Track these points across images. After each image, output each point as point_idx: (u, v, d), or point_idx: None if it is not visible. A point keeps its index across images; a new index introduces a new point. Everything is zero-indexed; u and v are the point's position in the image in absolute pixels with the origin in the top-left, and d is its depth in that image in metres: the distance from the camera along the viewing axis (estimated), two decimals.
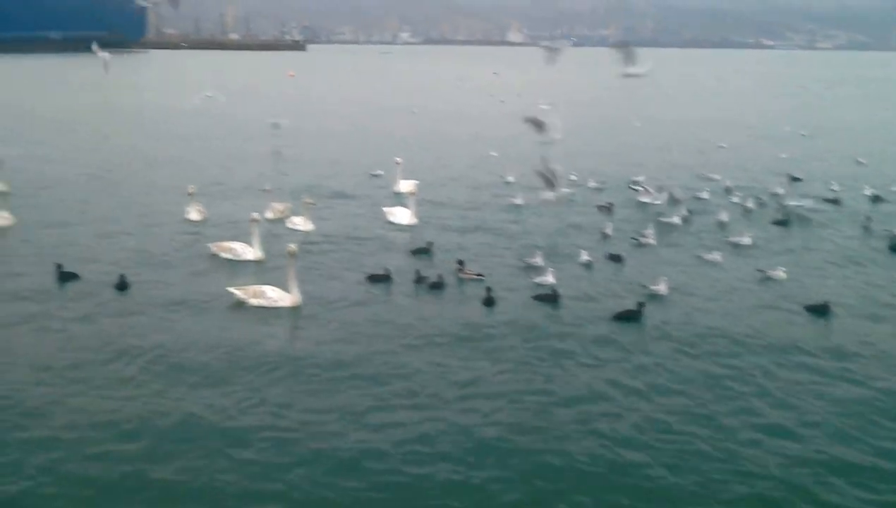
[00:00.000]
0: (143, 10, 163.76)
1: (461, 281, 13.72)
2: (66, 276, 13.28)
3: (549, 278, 13.39)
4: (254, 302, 12.26)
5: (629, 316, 12.00)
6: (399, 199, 19.63)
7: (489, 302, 12.48)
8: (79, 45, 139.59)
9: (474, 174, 24.74)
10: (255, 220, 15.10)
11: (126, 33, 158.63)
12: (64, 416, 8.75)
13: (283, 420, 8.77)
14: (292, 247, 12.70)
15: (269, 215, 17.74)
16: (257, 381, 9.69)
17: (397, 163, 21.81)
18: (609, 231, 17.09)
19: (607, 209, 19.53)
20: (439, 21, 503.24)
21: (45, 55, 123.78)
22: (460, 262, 14.20)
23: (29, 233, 16.41)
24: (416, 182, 20.37)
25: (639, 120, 41.70)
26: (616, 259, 15.19)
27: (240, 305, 12.27)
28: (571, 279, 13.90)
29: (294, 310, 12.16)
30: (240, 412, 8.92)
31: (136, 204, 19.67)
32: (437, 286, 13.29)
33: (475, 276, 13.79)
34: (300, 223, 17.22)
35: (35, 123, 36.94)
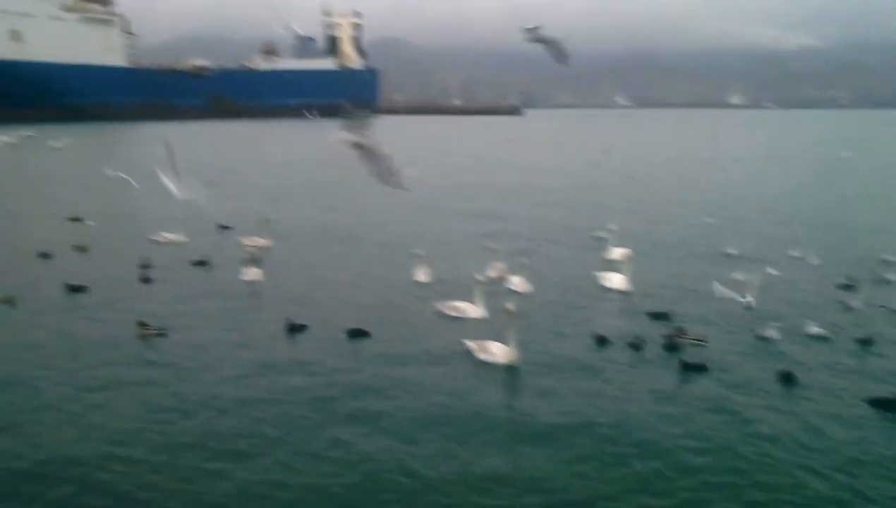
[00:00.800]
0: (377, 79, 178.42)
1: (677, 346, 13.74)
2: (295, 328, 14.69)
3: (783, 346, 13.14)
4: (481, 356, 13.22)
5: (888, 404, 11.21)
6: (612, 265, 19.82)
7: (697, 367, 12.54)
8: (325, 112, 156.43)
9: (691, 242, 24.39)
10: (478, 281, 16.22)
11: (361, 101, 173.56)
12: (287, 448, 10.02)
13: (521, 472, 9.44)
14: (510, 306, 13.49)
15: (492, 274, 18.64)
16: (489, 435, 10.45)
17: (610, 231, 22.26)
18: (855, 303, 16.31)
19: (850, 286, 18.08)
20: (655, 83, 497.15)
21: (295, 120, 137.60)
22: (679, 329, 14.23)
23: (274, 287, 18.12)
24: (629, 250, 20.57)
25: (876, 190, 38.81)
26: (865, 342, 14.12)
27: (466, 357, 13.23)
28: (810, 353, 13.49)
29: (513, 367, 12.86)
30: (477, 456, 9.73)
31: (374, 262, 21.34)
32: (670, 348, 13.58)
33: (696, 342, 13.77)
34: (518, 283, 18.01)
35: (293, 182, 41.27)
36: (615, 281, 18.35)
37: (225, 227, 25.36)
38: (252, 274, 18.57)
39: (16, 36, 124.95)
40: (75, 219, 26.80)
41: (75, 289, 17.25)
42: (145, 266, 19.29)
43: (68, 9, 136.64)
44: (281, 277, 18.95)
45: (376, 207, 30.81)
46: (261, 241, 22.44)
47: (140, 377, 12.27)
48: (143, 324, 14.30)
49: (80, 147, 65.61)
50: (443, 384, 12.18)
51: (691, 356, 13.10)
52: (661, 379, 12.34)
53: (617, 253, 20.94)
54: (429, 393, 11.76)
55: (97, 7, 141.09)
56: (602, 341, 14.04)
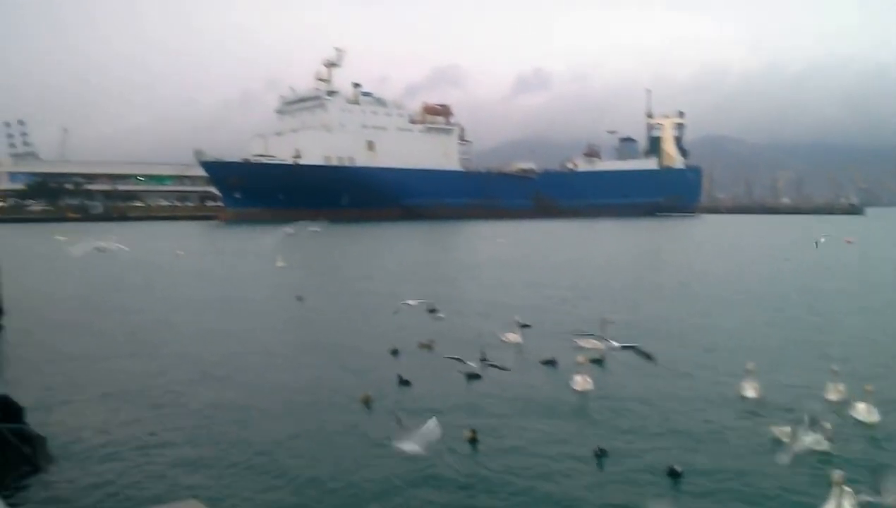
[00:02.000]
0: (698, 177, 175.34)
1: None
2: (602, 454, 12.50)
3: None
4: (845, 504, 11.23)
5: None
6: None
7: None
8: (642, 210, 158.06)
9: None
10: (831, 400, 14.22)
11: (683, 199, 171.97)
12: None
13: None
14: (839, 475, 10.26)
15: (831, 397, 16.20)
16: None
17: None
18: None
19: None
20: None
21: (619, 218, 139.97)
22: None
23: (602, 398, 17.68)
24: None
25: None
26: None
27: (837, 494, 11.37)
28: None
29: None
30: None
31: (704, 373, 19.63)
32: None
33: None
34: (863, 412, 15.28)
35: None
36: None
37: (525, 326, 24.33)
38: (582, 383, 17.57)
39: (371, 146, 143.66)
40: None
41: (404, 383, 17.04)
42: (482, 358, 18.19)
43: (415, 121, 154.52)
44: (612, 388, 17.44)
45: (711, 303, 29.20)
46: (597, 344, 21.95)
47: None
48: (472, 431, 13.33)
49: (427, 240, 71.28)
50: None
51: None
52: None
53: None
54: None
55: (440, 119, 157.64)
56: None
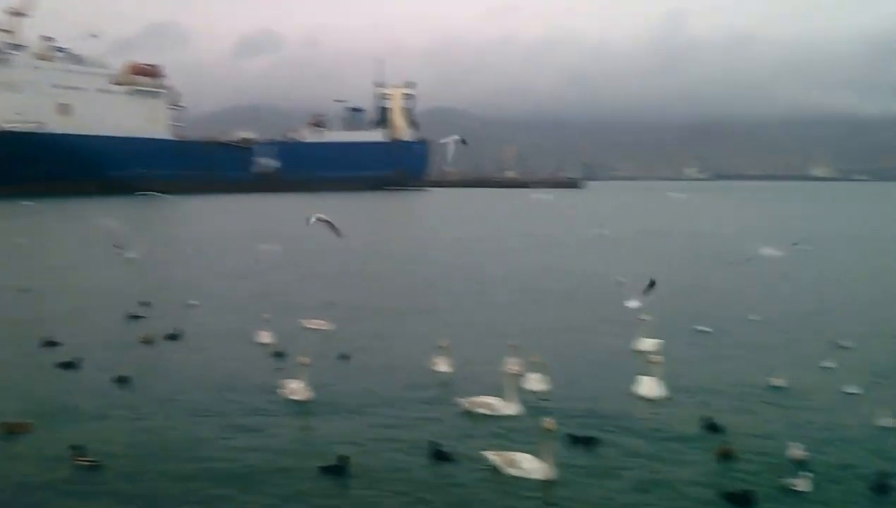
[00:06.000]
0: (427, 150, 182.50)
1: (729, 458, 12.94)
2: None
3: None
4: (509, 470, 12.49)
5: None
6: (641, 362, 17.97)
7: None
8: (370, 184, 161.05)
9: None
10: (511, 373, 15.74)
11: (411, 172, 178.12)
12: None
13: None
14: (550, 422, 12.53)
15: (512, 369, 17.62)
16: None
17: (642, 321, 20.95)
18: None
19: None
20: (732, 155, 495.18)
21: (345, 192, 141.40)
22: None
23: None
24: (660, 341, 19.67)
25: None
26: None
27: (493, 471, 12.56)
28: None
29: (548, 484, 12.17)
30: None
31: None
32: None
33: None
34: (535, 381, 16.97)
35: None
36: (647, 386, 16.55)
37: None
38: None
39: (64, 109, 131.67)
40: None
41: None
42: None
43: (119, 82, 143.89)
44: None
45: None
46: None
47: None
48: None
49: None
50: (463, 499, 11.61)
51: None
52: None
53: (649, 342, 19.86)
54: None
55: (147, 80, 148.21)
56: None
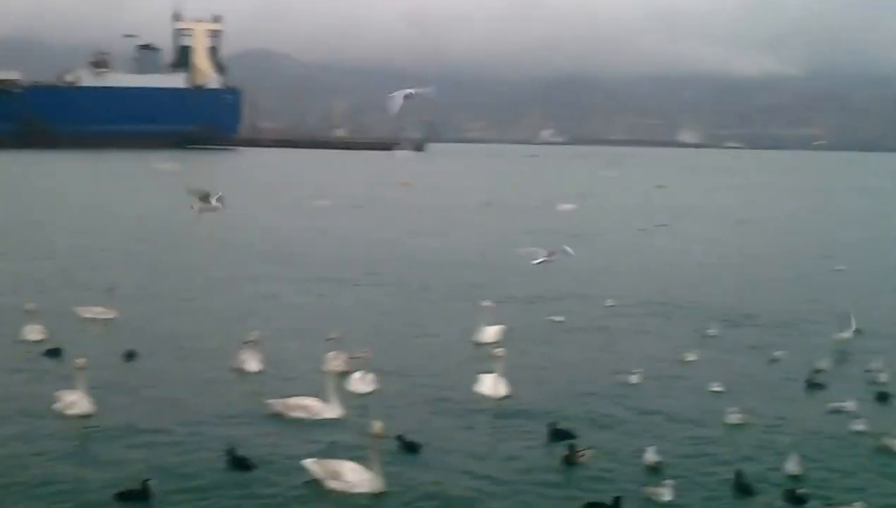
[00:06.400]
0: (238, 101, 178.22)
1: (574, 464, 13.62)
2: None
3: None
4: (332, 483, 12.61)
5: None
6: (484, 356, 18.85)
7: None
8: (167, 141, 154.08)
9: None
10: (332, 371, 16.18)
11: (219, 128, 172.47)
12: None
13: None
14: (378, 427, 12.78)
15: (333, 365, 17.65)
16: None
17: (483, 308, 21.42)
18: None
19: None
20: (591, 116, 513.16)
21: (136, 151, 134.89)
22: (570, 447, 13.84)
23: None
24: (503, 328, 20.67)
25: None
26: None
27: (314, 483, 12.67)
28: None
29: (377, 497, 12.43)
30: None
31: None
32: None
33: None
34: (358, 380, 17.32)
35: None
36: (488, 383, 17.14)
37: None
38: None
39: None
40: None
41: None
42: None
43: None
44: None
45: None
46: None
47: None
48: None
49: None
50: None
51: None
52: None
53: (491, 332, 20.71)
54: None
55: None
56: None
